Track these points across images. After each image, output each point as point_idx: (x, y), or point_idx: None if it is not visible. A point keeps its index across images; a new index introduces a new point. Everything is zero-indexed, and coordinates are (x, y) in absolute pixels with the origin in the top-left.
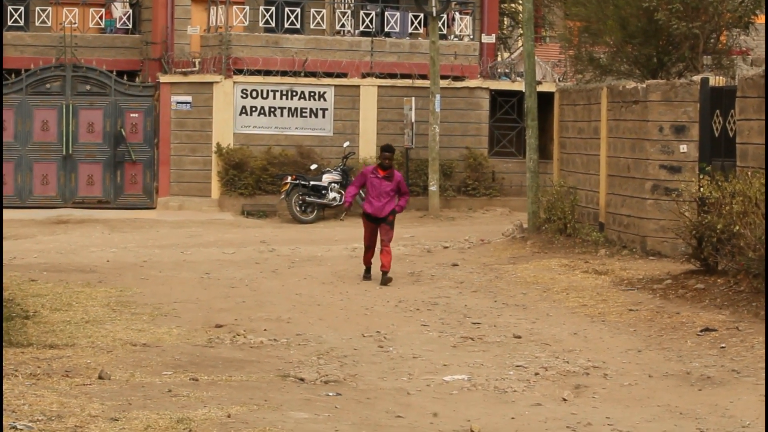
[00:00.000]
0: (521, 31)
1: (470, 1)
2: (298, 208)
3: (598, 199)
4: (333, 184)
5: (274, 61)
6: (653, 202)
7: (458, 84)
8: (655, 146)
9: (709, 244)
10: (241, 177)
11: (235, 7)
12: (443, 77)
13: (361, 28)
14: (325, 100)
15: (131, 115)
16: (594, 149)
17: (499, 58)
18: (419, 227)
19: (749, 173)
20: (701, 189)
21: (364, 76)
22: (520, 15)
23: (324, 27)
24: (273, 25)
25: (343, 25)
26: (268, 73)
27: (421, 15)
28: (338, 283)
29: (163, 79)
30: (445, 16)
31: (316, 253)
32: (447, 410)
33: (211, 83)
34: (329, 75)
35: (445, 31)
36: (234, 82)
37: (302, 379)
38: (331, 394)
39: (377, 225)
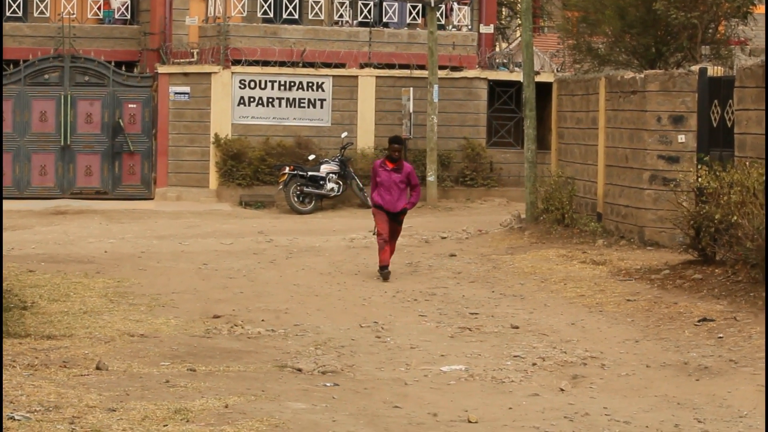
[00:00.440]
0: (519, 22)
1: None
2: (296, 199)
3: (596, 189)
4: (331, 175)
5: (272, 52)
6: (651, 192)
7: (456, 74)
8: (653, 136)
9: (707, 235)
10: (239, 167)
11: None
12: (441, 67)
13: (360, 18)
14: (323, 90)
15: (129, 105)
16: (592, 139)
17: (497, 49)
18: (417, 218)
19: (747, 163)
20: (699, 179)
21: (362, 67)
22: (519, 5)
23: (322, 17)
24: (271, 15)
25: (341, 16)
26: (266, 63)
27: (420, 5)
28: (336, 274)
29: (161, 69)
30: (443, 6)
31: (314, 243)
32: (444, 401)
33: (209, 74)
34: (327, 65)
35: (443, 22)
36: (232, 73)
37: (300, 370)
38: (328, 384)
39: (389, 216)
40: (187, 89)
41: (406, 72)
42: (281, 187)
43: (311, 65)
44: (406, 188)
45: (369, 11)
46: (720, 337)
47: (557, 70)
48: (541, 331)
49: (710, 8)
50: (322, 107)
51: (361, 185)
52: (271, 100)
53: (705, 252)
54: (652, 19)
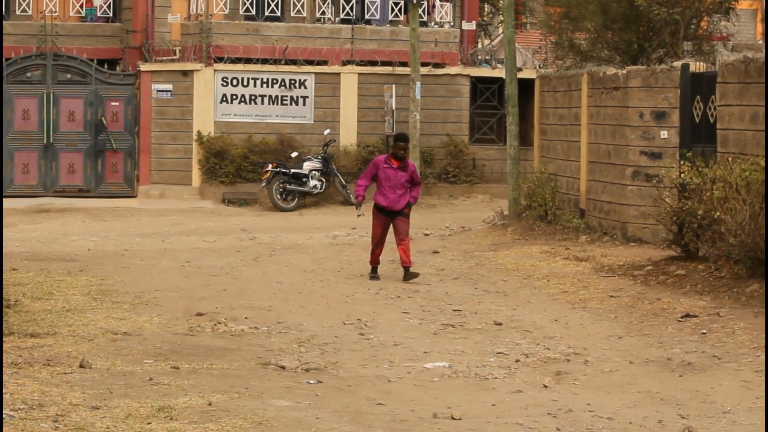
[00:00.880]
0: (502, 18)
1: None
2: (278, 196)
3: (579, 185)
4: (314, 172)
5: (254, 49)
6: (634, 188)
7: (439, 71)
8: (635, 132)
9: (690, 230)
10: (222, 165)
11: None
12: (424, 64)
13: (342, 16)
14: (305, 87)
15: (112, 103)
16: (575, 136)
17: (479, 45)
18: None
19: (730, 159)
20: (682, 175)
21: (344, 64)
22: (501, 1)
23: (304, 14)
24: (253, 12)
25: (323, 13)
26: (248, 61)
27: (402, 2)
28: (319, 271)
29: (144, 67)
30: (425, 2)
31: (296, 240)
32: (428, 397)
33: (192, 71)
34: (310, 63)
35: (425, 18)
36: (214, 70)
37: (283, 367)
38: (311, 381)
39: (390, 219)
40: (169, 87)
41: (388, 69)
42: (264, 184)
43: (294, 62)
44: (409, 187)
45: (351, 8)
46: (703, 333)
47: (540, 67)
48: (525, 327)
49: (692, 4)
50: (304, 104)
51: (344, 182)
52: (253, 97)
53: (688, 248)
54: (635, 15)
